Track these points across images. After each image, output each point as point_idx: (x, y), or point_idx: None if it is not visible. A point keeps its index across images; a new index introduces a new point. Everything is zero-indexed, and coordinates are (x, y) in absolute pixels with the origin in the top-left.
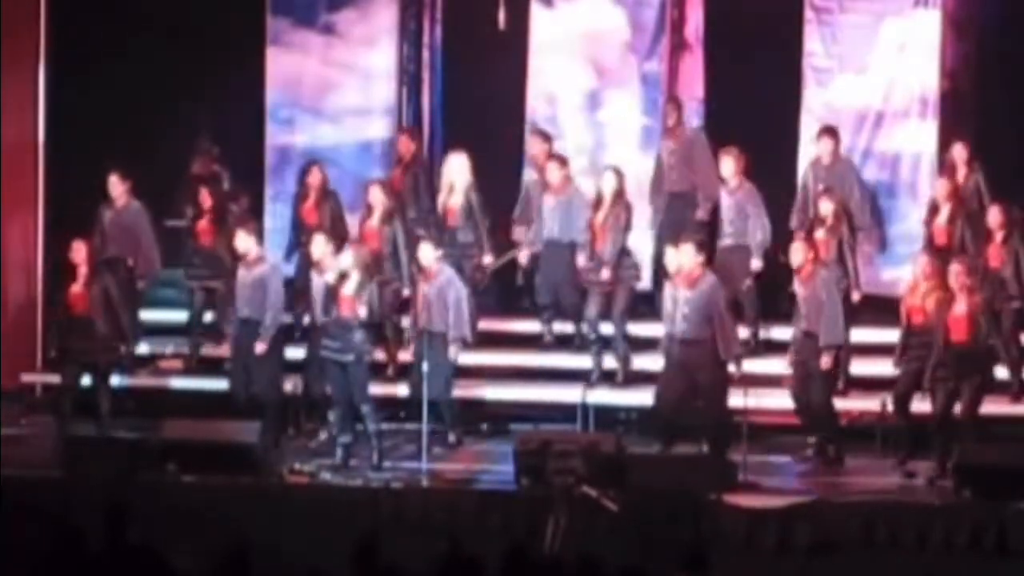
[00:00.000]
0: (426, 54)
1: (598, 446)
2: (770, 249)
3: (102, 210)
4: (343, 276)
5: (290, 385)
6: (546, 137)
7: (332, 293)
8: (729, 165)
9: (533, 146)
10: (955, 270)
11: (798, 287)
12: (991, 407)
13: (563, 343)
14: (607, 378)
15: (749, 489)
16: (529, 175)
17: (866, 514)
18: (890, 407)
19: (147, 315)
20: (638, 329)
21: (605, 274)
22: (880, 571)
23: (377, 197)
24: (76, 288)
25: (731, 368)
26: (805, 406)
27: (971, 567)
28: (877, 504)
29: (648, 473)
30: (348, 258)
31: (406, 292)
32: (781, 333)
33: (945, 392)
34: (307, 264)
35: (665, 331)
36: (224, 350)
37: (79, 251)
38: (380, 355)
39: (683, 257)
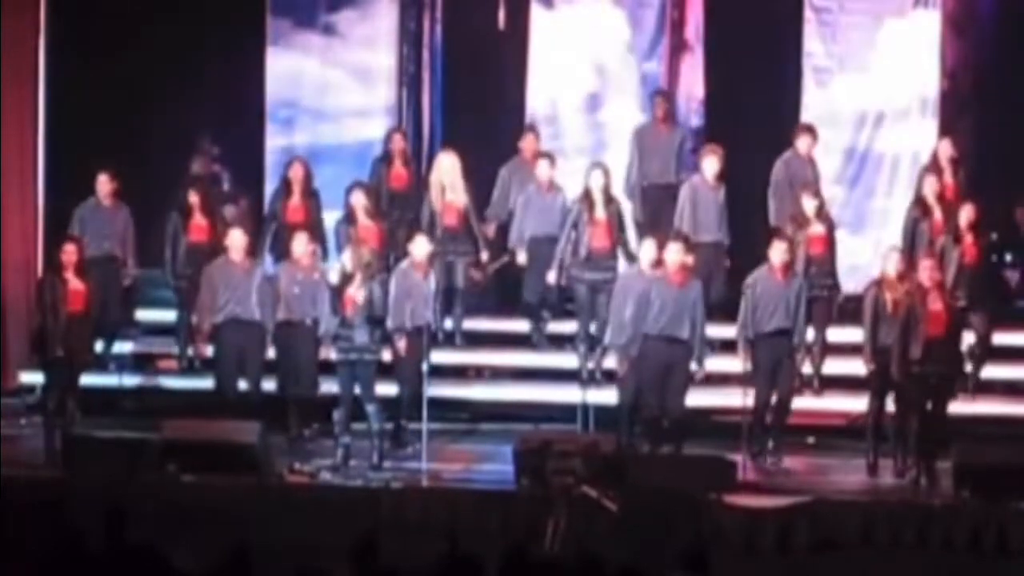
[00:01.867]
0: (426, 54)
1: (598, 446)
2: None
3: (81, 209)
4: (348, 277)
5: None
6: (538, 135)
7: (337, 294)
8: (713, 164)
9: (529, 143)
10: (925, 265)
11: (777, 285)
12: (991, 407)
13: (558, 342)
14: (609, 377)
15: (749, 489)
16: (507, 172)
17: (866, 514)
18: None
19: (146, 315)
20: None
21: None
22: (880, 571)
23: (359, 200)
24: (69, 286)
25: (695, 367)
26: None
27: (971, 567)
28: (877, 504)
29: (648, 473)
30: (348, 259)
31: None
32: None
33: (922, 388)
34: (292, 263)
35: (634, 327)
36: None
37: (70, 252)
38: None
39: (671, 255)
